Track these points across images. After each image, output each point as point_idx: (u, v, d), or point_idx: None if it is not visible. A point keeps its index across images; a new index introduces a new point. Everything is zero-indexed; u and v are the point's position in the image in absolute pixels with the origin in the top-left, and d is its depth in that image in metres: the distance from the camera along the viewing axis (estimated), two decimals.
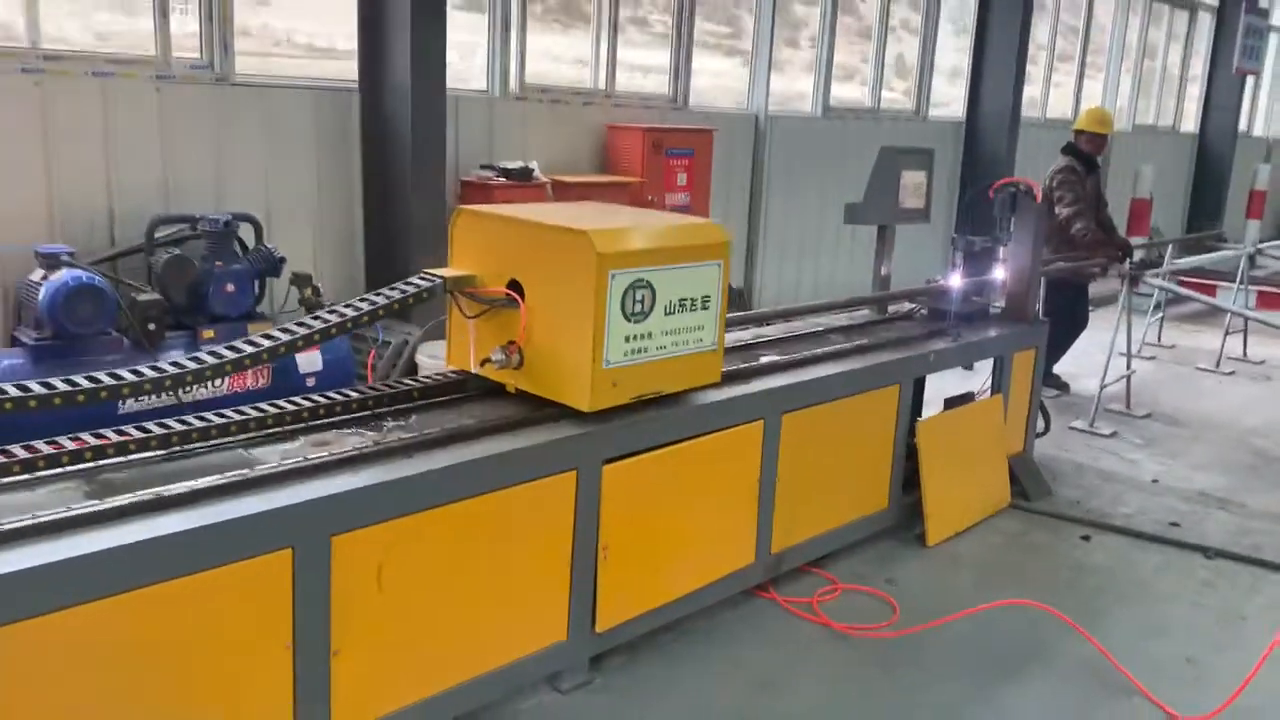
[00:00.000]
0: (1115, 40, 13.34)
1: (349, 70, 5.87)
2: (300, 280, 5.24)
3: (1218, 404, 7.01)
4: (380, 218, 5.91)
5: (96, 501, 2.32)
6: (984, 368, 5.01)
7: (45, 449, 2.50)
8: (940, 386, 4.89)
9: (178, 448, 2.68)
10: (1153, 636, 3.72)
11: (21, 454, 2.46)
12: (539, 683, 3.15)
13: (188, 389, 4.44)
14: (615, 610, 3.21)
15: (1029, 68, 10.94)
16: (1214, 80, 15.05)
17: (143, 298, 4.58)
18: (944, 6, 10.28)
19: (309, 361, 5.04)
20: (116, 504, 2.30)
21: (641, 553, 3.26)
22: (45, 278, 4.41)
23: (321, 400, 3.01)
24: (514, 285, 3.12)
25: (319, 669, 2.53)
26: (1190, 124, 15.44)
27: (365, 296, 3.22)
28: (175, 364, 2.73)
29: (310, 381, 4.96)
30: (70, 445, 2.53)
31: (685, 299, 3.17)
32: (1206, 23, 15.00)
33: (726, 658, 3.43)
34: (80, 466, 2.53)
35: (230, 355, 2.82)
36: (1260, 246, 10.63)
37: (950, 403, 4.80)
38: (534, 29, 6.85)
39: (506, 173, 6.14)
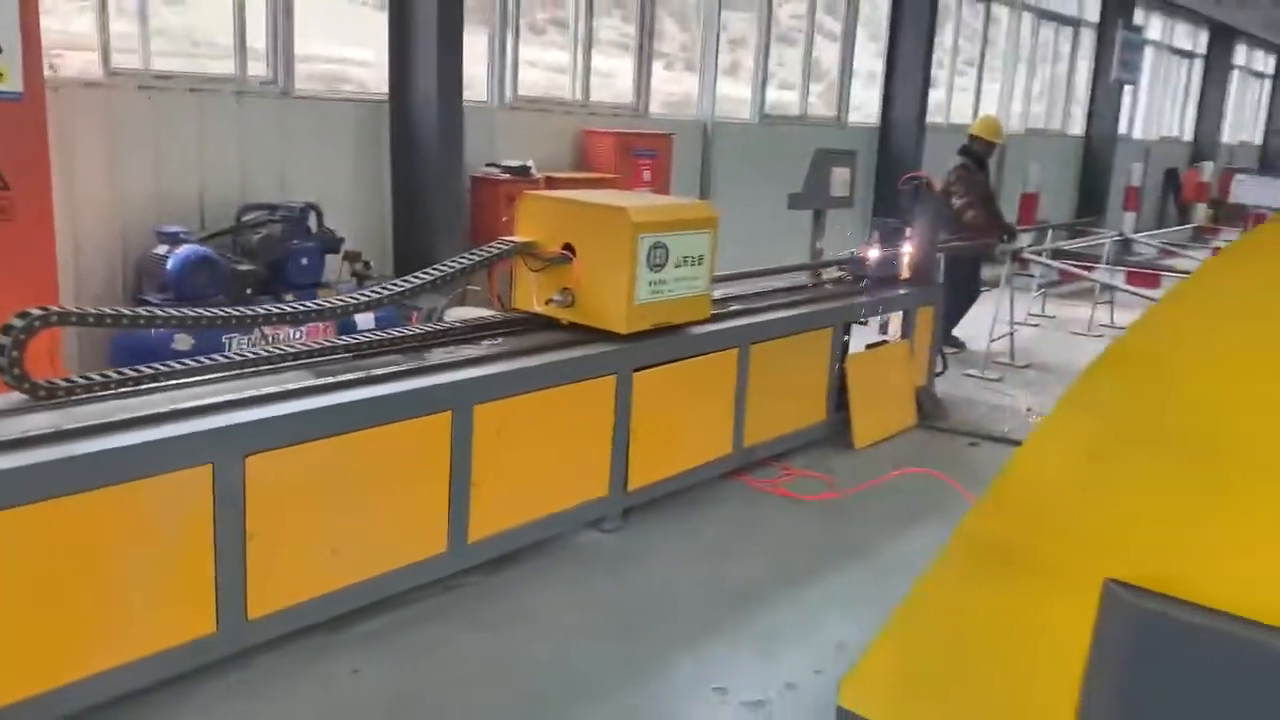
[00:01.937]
0: (1009, 54, 15.07)
1: (360, 76, 7.16)
2: (351, 256, 6.49)
3: (1086, 358, 8.51)
4: (407, 207, 7.16)
5: (329, 378, 3.60)
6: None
7: (283, 349, 3.77)
8: (859, 338, 6.34)
9: (355, 354, 3.96)
10: None
11: (273, 353, 3.73)
12: (588, 525, 4.48)
13: (277, 336, 5.70)
14: (641, 475, 4.56)
15: (939, 74, 12.59)
16: (1096, 89, 16.93)
17: (242, 268, 5.80)
18: (860, 15, 11.83)
19: (365, 320, 6.28)
20: (344, 379, 3.59)
21: (658, 436, 4.61)
22: (170, 251, 5.60)
23: (440, 327, 4.32)
24: (567, 247, 4.45)
25: (464, 494, 3.83)
26: (1077, 128, 17.32)
27: (457, 257, 4.50)
28: (329, 300, 4.02)
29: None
30: (298, 349, 3.80)
31: (688, 256, 4.54)
32: (1089, 37, 16.86)
33: (715, 513, 4.82)
34: (301, 362, 3.79)
35: (364, 298, 4.10)
36: (1131, 235, 12.42)
37: (870, 346, 6.26)
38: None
39: (509, 170, 7.44)
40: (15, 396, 3.17)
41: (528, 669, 3.46)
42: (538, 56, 8.67)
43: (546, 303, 4.49)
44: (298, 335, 5.84)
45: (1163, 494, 2.44)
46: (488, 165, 7.54)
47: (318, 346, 3.89)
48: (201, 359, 3.61)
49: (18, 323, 3.11)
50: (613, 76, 9.33)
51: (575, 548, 4.38)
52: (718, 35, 9.89)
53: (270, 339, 5.68)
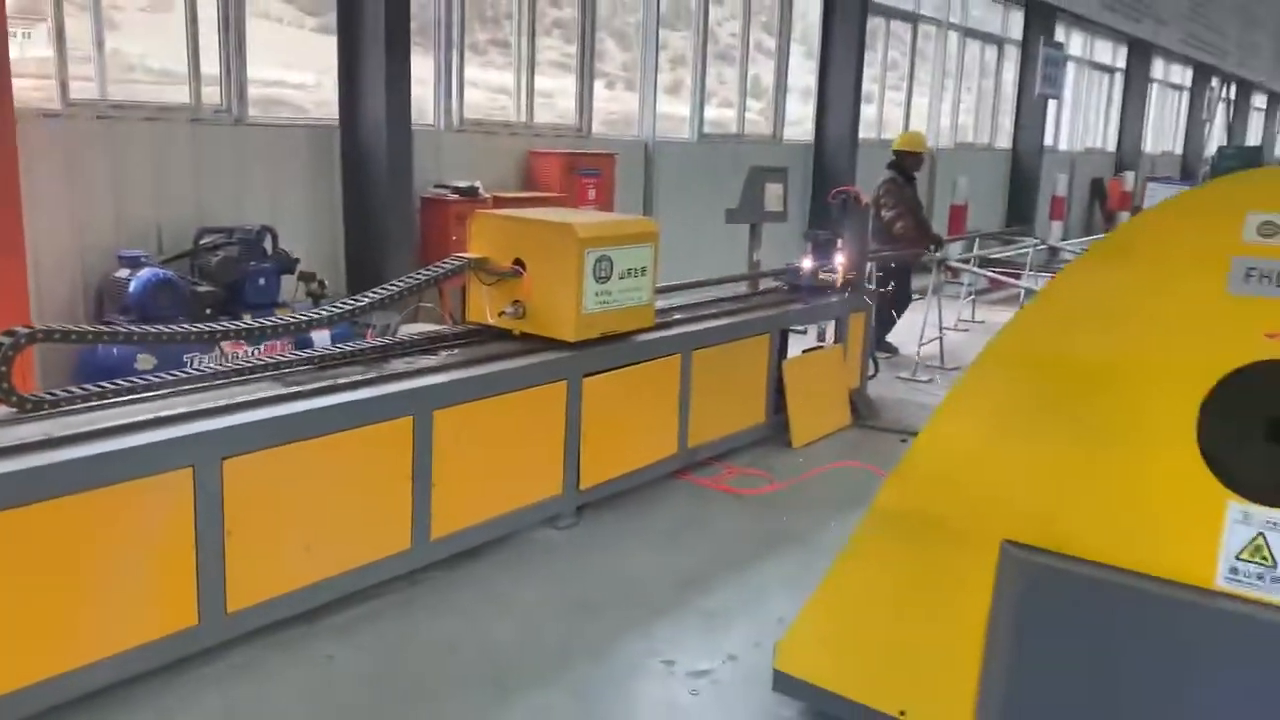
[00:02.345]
0: (936, 71, 15.65)
1: (296, 99, 7.41)
2: (306, 276, 6.71)
3: None
4: (359, 229, 7.40)
5: (297, 387, 3.85)
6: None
7: (253, 361, 4.01)
8: (796, 345, 6.70)
9: (320, 365, 4.21)
10: None
11: (243, 365, 3.97)
12: (543, 522, 4.76)
13: (237, 354, 5.90)
14: (592, 474, 4.86)
15: (871, 88, 13.09)
16: (1021, 103, 17.59)
17: (201, 289, 6.01)
18: (795, 31, 12.29)
19: (321, 338, 6.50)
20: (311, 387, 3.85)
21: (608, 438, 4.91)
22: (131, 275, 5.79)
23: (399, 339, 4.59)
24: (517, 262, 4.74)
25: (425, 494, 4.09)
26: (1005, 140, 17.98)
27: (414, 273, 4.78)
28: (292, 316, 4.27)
29: None
30: (266, 361, 4.05)
31: (631, 268, 4.86)
32: (1013, 54, 17.54)
33: (664, 507, 5.13)
34: (268, 373, 4.03)
35: (325, 313, 4.35)
36: (1054, 243, 13.02)
37: (806, 351, 6.62)
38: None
39: (457, 190, 7.71)
40: (2, 410, 3.39)
41: (491, 652, 3.73)
42: (479, 77, 8.94)
43: (499, 315, 4.77)
44: (256, 352, 6.05)
45: (1045, 466, 2.82)
46: (437, 186, 7.80)
47: (285, 359, 4.13)
48: (176, 373, 3.84)
49: (6, 340, 3.33)
50: (553, 96, 9.63)
51: (532, 544, 4.65)
52: (657, 56, 10.26)
53: (229, 357, 5.89)
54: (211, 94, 6.70)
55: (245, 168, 6.82)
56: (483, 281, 4.83)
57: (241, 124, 6.81)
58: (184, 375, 3.83)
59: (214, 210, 6.64)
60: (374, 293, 4.53)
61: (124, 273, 5.83)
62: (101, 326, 3.67)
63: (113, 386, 3.60)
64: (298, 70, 7.68)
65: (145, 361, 5.59)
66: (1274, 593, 2.52)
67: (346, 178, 7.38)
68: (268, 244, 6.56)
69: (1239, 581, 2.56)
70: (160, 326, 3.84)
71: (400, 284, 4.65)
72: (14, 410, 3.38)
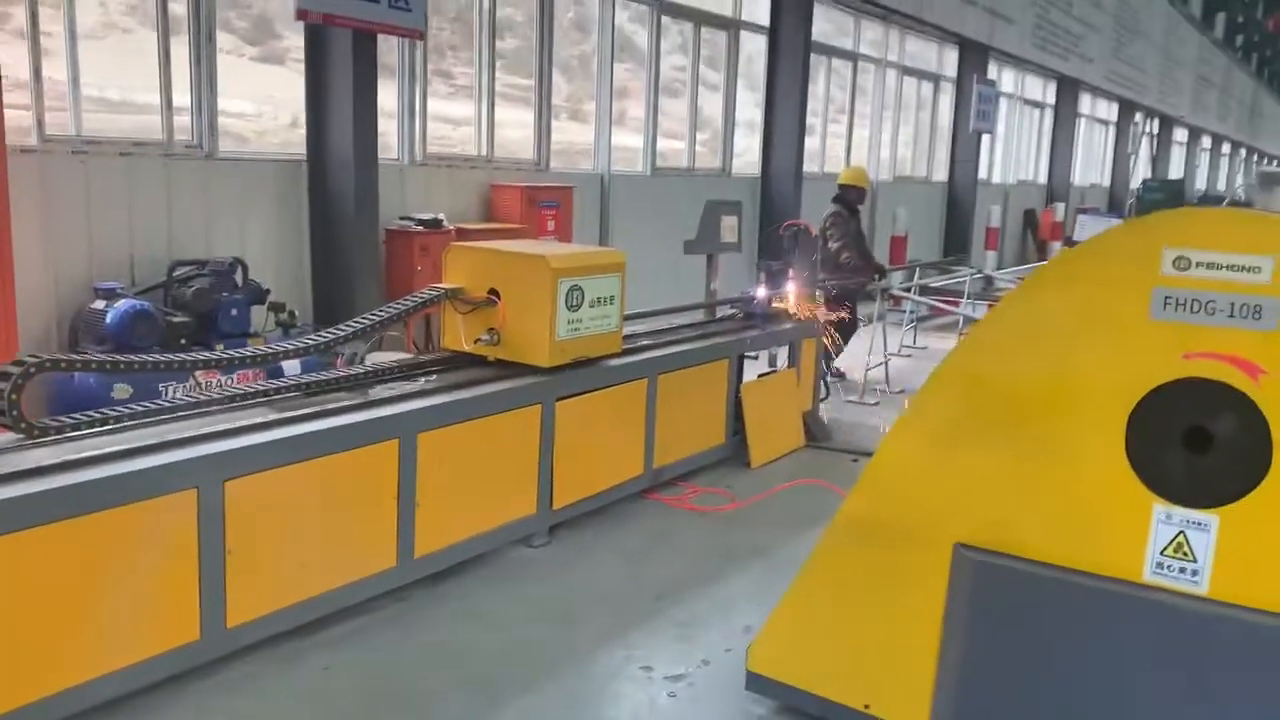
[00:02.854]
0: (876, 107, 16.21)
1: (237, 129, 7.61)
2: (276, 307, 6.86)
3: None
4: (326, 260, 7.57)
5: (289, 412, 4.05)
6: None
7: (241, 388, 4.19)
8: (751, 370, 7.01)
9: (306, 392, 4.41)
10: None
11: (235, 392, 4.15)
12: (518, 541, 4.97)
13: (210, 382, 6.05)
14: (565, 494, 5.09)
15: (814, 123, 13.53)
16: (957, 138, 18.24)
17: (176, 320, 6.14)
18: (738, 67, 12.72)
19: (291, 366, 6.66)
20: (303, 412, 4.04)
21: (579, 459, 5.15)
22: (108, 306, 5.91)
23: (379, 366, 4.80)
24: (492, 292, 4.98)
25: (410, 514, 4.30)
26: (942, 174, 18.62)
27: (388, 304, 5.00)
28: (271, 347, 4.47)
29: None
30: (255, 389, 4.24)
31: (601, 297, 5.12)
32: (949, 91, 18.21)
33: (632, 525, 5.38)
34: (259, 400, 4.22)
35: (312, 341, 4.56)
36: (990, 273, 13.54)
37: (761, 376, 6.93)
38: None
39: (422, 223, 7.92)
40: (9, 436, 3.54)
41: (479, 661, 3.93)
42: (429, 107, 9.10)
43: (475, 342, 5.00)
44: (230, 381, 6.19)
45: (992, 476, 3.13)
46: (401, 219, 8.01)
47: (274, 386, 4.32)
48: (174, 400, 4.02)
49: (15, 370, 3.49)
50: (502, 126, 9.80)
51: (509, 561, 4.86)
52: (611, 91, 10.59)
53: (203, 386, 6.03)
54: (170, 127, 6.82)
55: (216, 201, 6.97)
56: (458, 310, 5.06)
57: (212, 159, 6.96)
58: (181, 402, 4.01)
59: (185, 243, 6.78)
60: (356, 322, 4.74)
61: (100, 304, 5.94)
62: (103, 356, 3.83)
63: (114, 414, 3.77)
64: (237, 99, 7.76)
65: (122, 391, 5.70)
66: (1193, 585, 2.84)
67: (314, 211, 7.55)
68: (239, 275, 6.71)
69: (1164, 575, 2.88)
70: (160, 355, 4.02)
71: (381, 313, 4.87)
72: (22, 437, 3.53)
